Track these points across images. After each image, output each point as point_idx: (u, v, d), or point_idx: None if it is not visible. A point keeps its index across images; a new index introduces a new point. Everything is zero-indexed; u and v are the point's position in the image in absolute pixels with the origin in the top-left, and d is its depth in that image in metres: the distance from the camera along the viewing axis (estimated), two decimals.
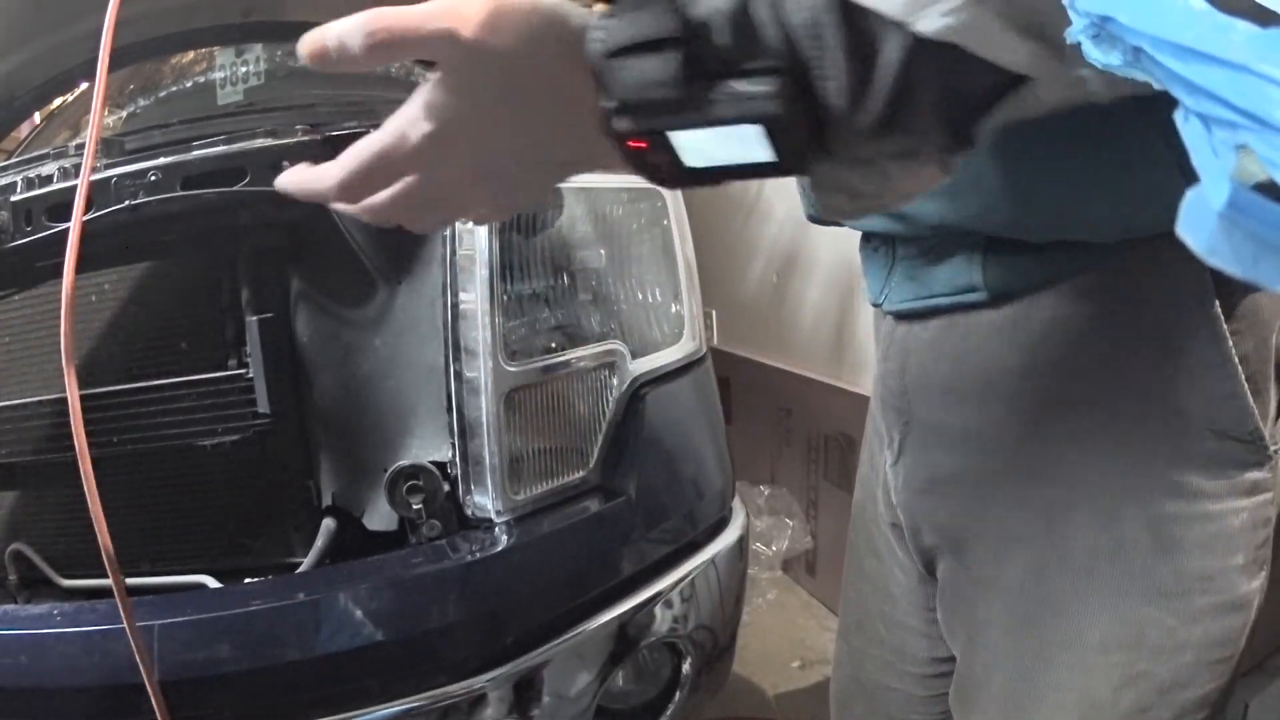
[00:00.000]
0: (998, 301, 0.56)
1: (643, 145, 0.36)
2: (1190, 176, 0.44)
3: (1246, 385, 0.50)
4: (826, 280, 2.17)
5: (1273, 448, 0.52)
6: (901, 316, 0.64)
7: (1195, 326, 0.50)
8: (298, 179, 0.44)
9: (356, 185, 0.42)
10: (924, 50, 0.32)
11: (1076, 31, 0.30)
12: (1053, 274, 0.53)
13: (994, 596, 0.58)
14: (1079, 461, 0.54)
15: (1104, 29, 0.27)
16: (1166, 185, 0.44)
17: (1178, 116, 0.27)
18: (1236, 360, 0.50)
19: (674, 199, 1.17)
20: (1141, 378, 0.51)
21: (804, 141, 0.35)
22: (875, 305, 0.66)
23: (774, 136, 0.34)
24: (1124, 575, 0.52)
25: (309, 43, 0.38)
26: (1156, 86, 0.28)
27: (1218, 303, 0.50)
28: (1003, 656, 0.58)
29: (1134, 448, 0.52)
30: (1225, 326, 0.50)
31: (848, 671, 0.80)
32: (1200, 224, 0.24)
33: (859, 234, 0.66)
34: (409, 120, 0.39)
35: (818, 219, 0.64)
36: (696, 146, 0.36)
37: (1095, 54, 0.29)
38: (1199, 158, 0.25)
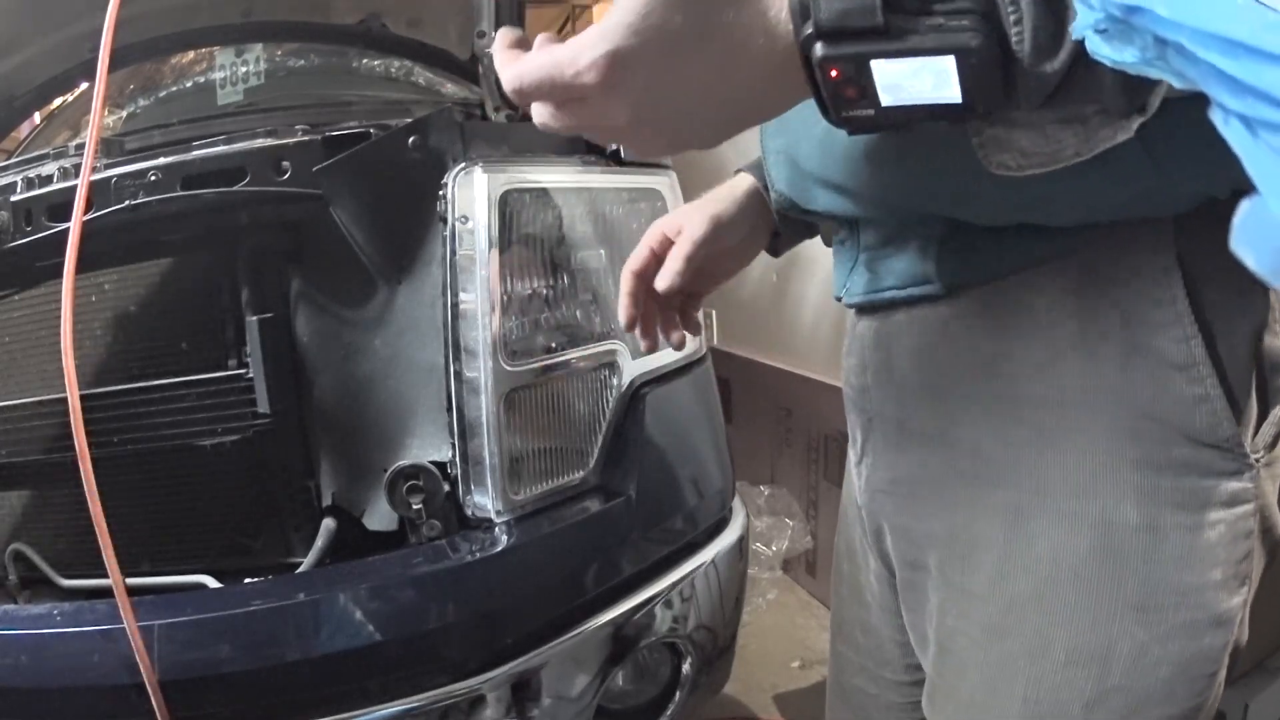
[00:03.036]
0: (954, 294, 0.54)
1: (838, 75, 0.36)
2: (1156, 153, 0.42)
3: (1221, 389, 0.47)
4: (826, 280, 2.17)
5: (1254, 456, 0.49)
6: (862, 310, 0.63)
7: (1163, 325, 0.48)
8: (500, 60, 0.43)
9: (526, 93, 0.41)
10: None
11: (1083, 26, 0.28)
12: (1010, 265, 0.51)
13: (961, 603, 0.56)
14: (1038, 465, 0.51)
15: (1126, 22, 0.26)
16: (1132, 169, 0.43)
17: (1215, 117, 0.25)
18: (1209, 362, 0.47)
19: (674, 199, 1.17)
20: (1106, 378, 0.49)
21: (992, 86, 0.35)
22: (837, 299, 0.65)
23: (965, 75, 0.34)
24: (1089, 586, 0.50)
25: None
26: (1178, 84, 0.27)
27: (1188, 301, 0.47)
28: (970, 665, 0.56)
29: (1098, 452, 0.49)
30: (1195, 326, 0.47)
31: (833, 674, 0.79)
32: (1261, 239, 0.21)
33: None
34: (586, 41, 0.38)
35: (780, 206, 0.62)
36: (891, 80, 0.36)
37: (1105, 50, 0.28)
38: (1255, 165, 0.23)
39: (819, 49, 0.35)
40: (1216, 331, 0.48)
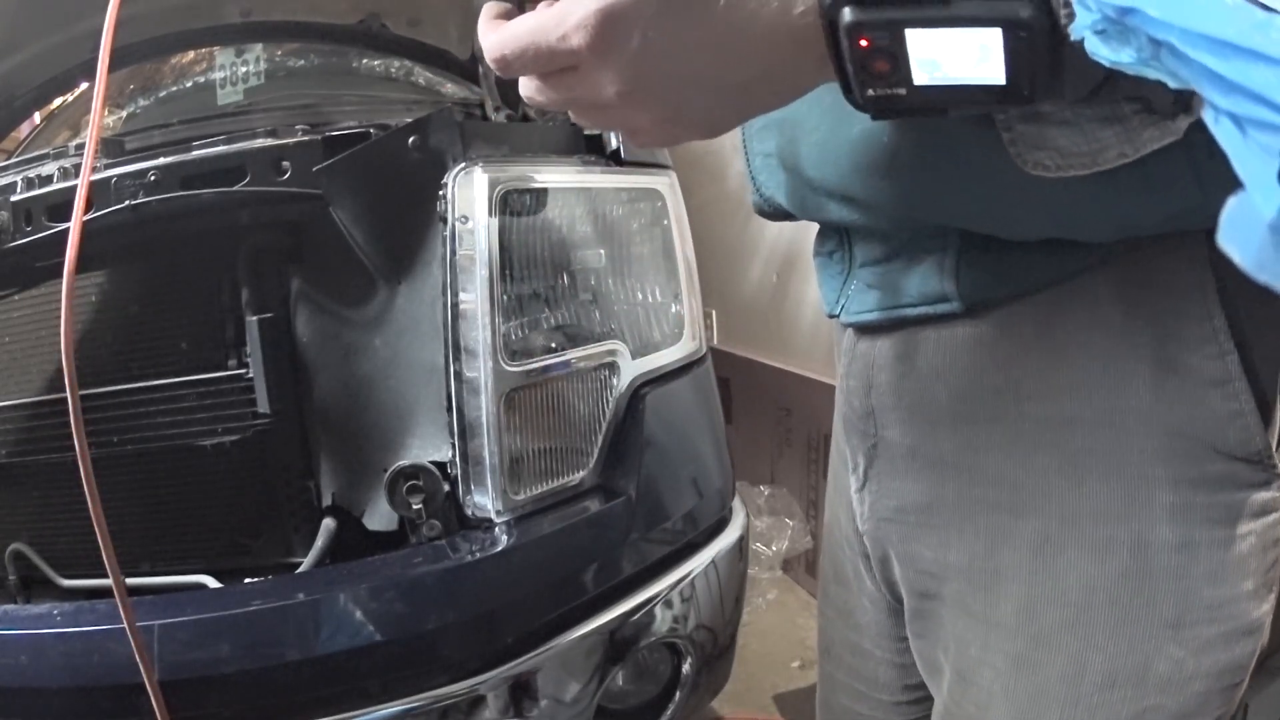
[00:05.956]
0: (973, 312, 0.51)
1: (868, 45, 0.32)
2: (1200, 169, 0.41)
3: (1254, 403, 0.46)
4: None
5: None
6: (864, 329, 0.59)
7: (1197, 341, 0.46)
8: (484, 29, 0.39)
9: (509, 63, 0.37)
10: None
11: (1081, 27, 0.28)
12: (1035, 282, 0.49)
13: (985, 634, 0.54)
14: (1068, 490, 0.50)
15: (1121, 22, 0.26)
16: (1175, 185, 0.42)
17: (1206, 116, 0.25)
18: (1244, 377, 0.46)
19: (674, 199, 1.17)
20: (1138, 397, 0.47)
21: (1039, 67, 0.31)
22: (832, 316, 0.61)
23: (1012, 51, 0.31)
24: (1124, 609, 0.49)
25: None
26: (1172, 84, 0.27)
27: (1223, 314, 0.46)
28: (998, 697, 0.54)
29: (1129, 474, 0.48)
30: (1231, 341, 0.46)
31: (822, 694, 0.78)
32: (1246, 235, 0.22)
33: None
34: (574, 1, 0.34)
35: (765, 212, 0.60)
36: (929, 55, 0.32)
37: (1102, 51, 0.27)
38: (1241, 163, 0.23)
39: (848, 14, 0.31)
40: (1250, 344, 0.46)
